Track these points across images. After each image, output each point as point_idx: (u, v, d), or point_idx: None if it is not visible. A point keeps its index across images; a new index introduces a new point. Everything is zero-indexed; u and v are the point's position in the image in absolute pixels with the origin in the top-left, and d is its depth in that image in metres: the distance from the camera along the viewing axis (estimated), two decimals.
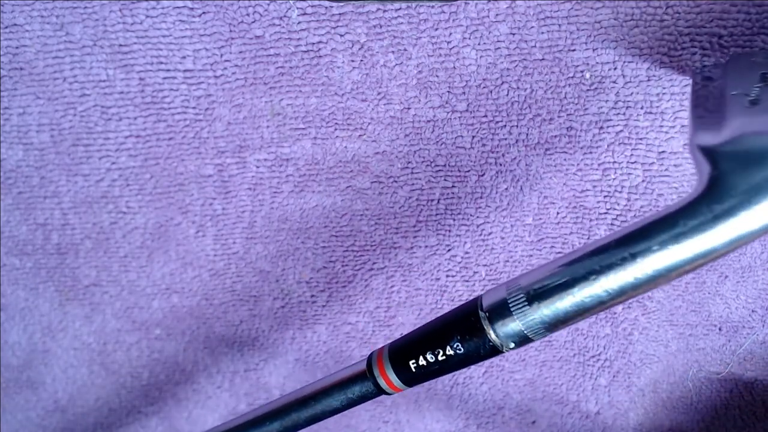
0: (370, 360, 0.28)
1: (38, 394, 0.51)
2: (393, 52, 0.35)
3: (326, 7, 0.34)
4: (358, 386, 0.28)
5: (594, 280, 0.22)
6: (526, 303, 0.23)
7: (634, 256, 0.21)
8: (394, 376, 0.27)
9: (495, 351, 0.24)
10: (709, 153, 0.22)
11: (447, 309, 0.43)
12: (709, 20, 0.31)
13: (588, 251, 0.22)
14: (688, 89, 0.34)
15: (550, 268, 0.23)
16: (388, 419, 0.49)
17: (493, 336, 0.24)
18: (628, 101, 0.34)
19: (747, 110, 0.24)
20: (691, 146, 0.24)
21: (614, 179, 0.37)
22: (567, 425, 0.46)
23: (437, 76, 0.35)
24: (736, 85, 0.26)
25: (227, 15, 0.35)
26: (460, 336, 0.25)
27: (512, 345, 0.24)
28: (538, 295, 0.23)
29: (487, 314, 0.24)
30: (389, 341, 0.45)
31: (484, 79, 0.35)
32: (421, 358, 0.26)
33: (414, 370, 0.26)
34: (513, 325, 0.23)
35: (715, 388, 0.42)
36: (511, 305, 0.23)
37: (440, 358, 0.25)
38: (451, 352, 0.25)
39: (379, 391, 0.28)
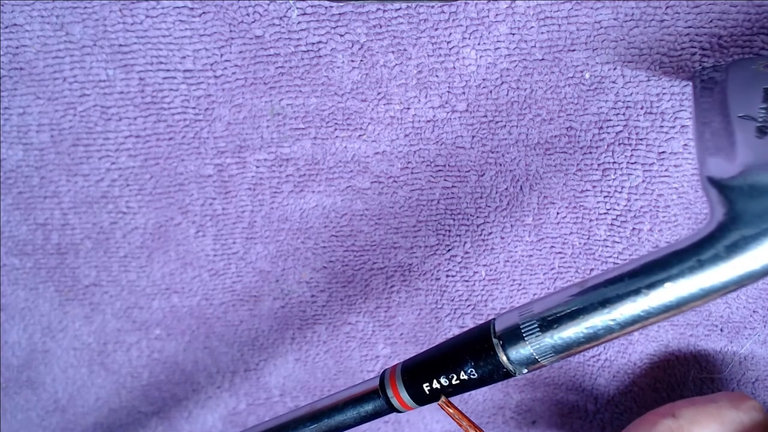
0: (382, 378, 0.28)
1: (38, 394, 0.51)
2: (393, 52, 0.35)
3: (326, 7, 0.34)
4: (371, 404, 0.29)
5: (606, 311, 0.22)
6: (539, 329, 0.23)
7: (646, 289, 0.21)
8: (408, 396, 0.27)
9: (507, 375, 0.25)
10: (720, 186, 0.22)
11: (447, 309, 0.44)
12: (708, 20, 0.31)
13: (601, 281, 0.23)
14: (689, 89, 0.33)
15: (562, 296, 0.23)
16: (388, 419, 0.49)
17: (505, 361, 0.24)
18: (628, 101, 0.34)
19: (757, 141, 0.24)
20: (701, 176, 0.24)
21: (614, 179, 0.37)
22: (567, 425, 0.46)
23: (437, 76, 0.35)
24: (740, 101, 0.26)
25: (227, 15, 0.35)
26: (473, 361, 0.25)
27: (525, 370, 0.24)
28: (550, 322, 0.23)
29: (500, 340, 0.24)
30: (389, 341, 0.45)
31: (483, 79, 0.35)
32: (435, 381, 0.26)
33: (428, 392, 0.27)
34: (524, 351, 0.24)
35: (717, 389, 0.41)
36: (523, 331, 0.24)
37: (454, 382, 0.26)
38: (465, 377, 0.26)
39: (392, 409, 0.28)
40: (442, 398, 0.27)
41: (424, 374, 0.27)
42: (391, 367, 0.29)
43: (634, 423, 0.38)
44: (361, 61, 0.35)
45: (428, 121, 0.37)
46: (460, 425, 0.29)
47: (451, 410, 0.28)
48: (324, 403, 0.30)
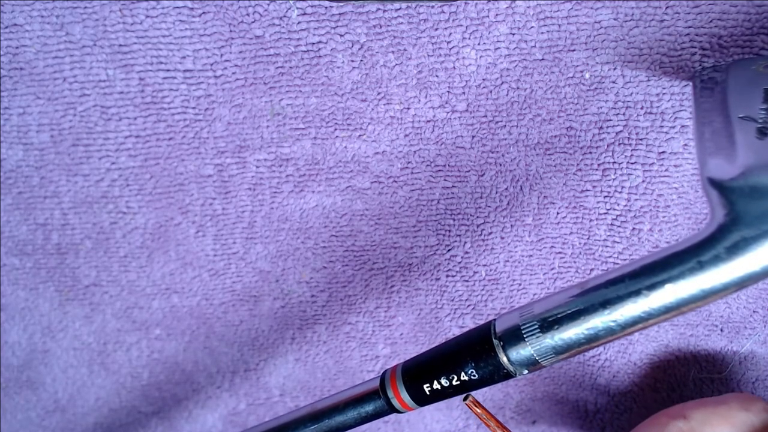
0: (383, 379, 0.28)
1: (38, 394, 0.51)
2: (393, 52, 0.35)
3: (326, 7, 0.34)
4: (372, 405, 0.29)
5: (606, 312, 0.22)
6: (539, 330, 0.23)
7: (647, 290, 0.21)
8: (408, 397, 0.27)
9: (508, 376, 0.25)
10: (721, 187, 0.22)
11: (447, 309, 0.44)
12: (708, 20, 0.31)
13: (601, 282, 0.23)
14: (689, 90, 0.33)
15: (563, 297, 0.23)
16: (388, 419, 0.49)
17: (506, 362, 0.24)
18: (628, 101, 0.34)
19: (757, 142, 0.24)
20: (701, 177, 0.24)
21: (614, 179, 0.37)
22: (567, 425, 0.46)
23: (437, 76, 0.35)
24: (740, 101, 0.26)
25: (227, 15, 0.35)
26: (474, 362, 0.25)
27: (525, 371, 0.24)
28: (550, 323, 0.23)
29: (500, 341, 0.24)
30: (389, 341, 0.45)
31: (483, 79, 0.35)
32: (435, 382, 0.26)
33: (428, 393, 0.27)
34: (525, 352, 0.24)
35: (717, 388, 0.42)
36: (524, 332, 0.24)
37: (455, 383, 0.26)
38: (466, 378, 0.26)
39: (392, 410, 0.28)
40: (470, 398, 0.27)
41: (425, 375, 0.27)
42: (392, 367, 0.29)
43: (643, 423, 0.38)
44: (361, 61, 0.35)
45: (428, 121, 0.37)
46: (488, 425, 0.29)
47: (478, 410, 0.28)
48: (325, 403, 0.30)
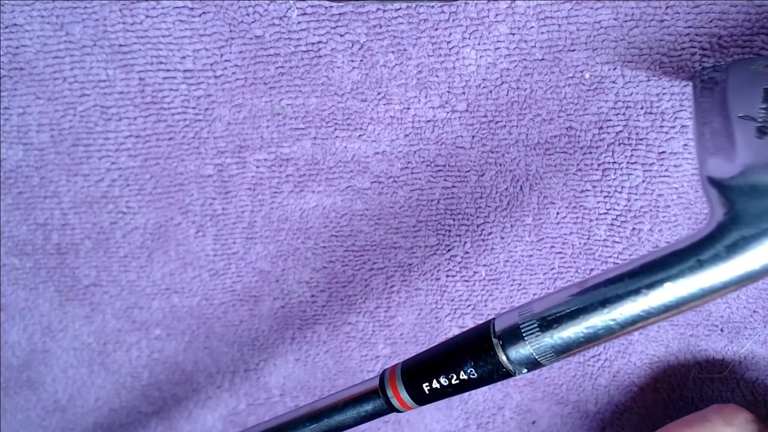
0: (382, 378, 0.28)
1: (38, 394, 0.51)
2: (393, 52, 0.35)
3: (326, 7, 0.34)
4: (371, 404, 0.29)
5: (606, 311, 0.22)
6: (539, 329, 0.23)
7: (646, 289, 0.21)
8: (407, 396, 0.27)
9: (507, 375, 0.25)
10: (720, 186, 0.22)
11: (447, 309, 0.44)
12: (708, 20, 0.31)
13: (601, 281, 0.23)
14: (689, 90, 0.34)
15: (562, 296, 0.23)
16: (388, 419, 0.49)
17: (505, 361, 0.24)
18: (628, 101, 0.34)
19: (757, 141, 0.24)
20: (701, 176, 0.24)
21: (614, 179, 0.37)
22: (567, 425, 0.46)
23: (437, 76, 0.35)
24: (740, 101, 0.26)
25: (227, 15, 0.35)
26: (473, 361, 0.25)
27: (524, 370, 0.25)
28: (550, 322, 0.23)
29: (500, 340, 0.24)
30: (389, 341, 0.45)
31: (483, 79, 0.35)
32: (434, 381, 0.26)
33: (427, 392, 0.27)
34: (524, 351, 0.24)
35: (717, 388, 0.41)
36: (523, 331, 0.24)
37: (454, 382, 0.26)
38: (465, 377, 0.26)
39: (391, 409, 0.28)
40: None
41: (424, 374, 0.27)
42: (391, 367, 0.29)
43: None
44: (361, 61, 0.35)
45: (428, 121, 0.37)
46: None
47: None
48: (324, 403, 0.30)
